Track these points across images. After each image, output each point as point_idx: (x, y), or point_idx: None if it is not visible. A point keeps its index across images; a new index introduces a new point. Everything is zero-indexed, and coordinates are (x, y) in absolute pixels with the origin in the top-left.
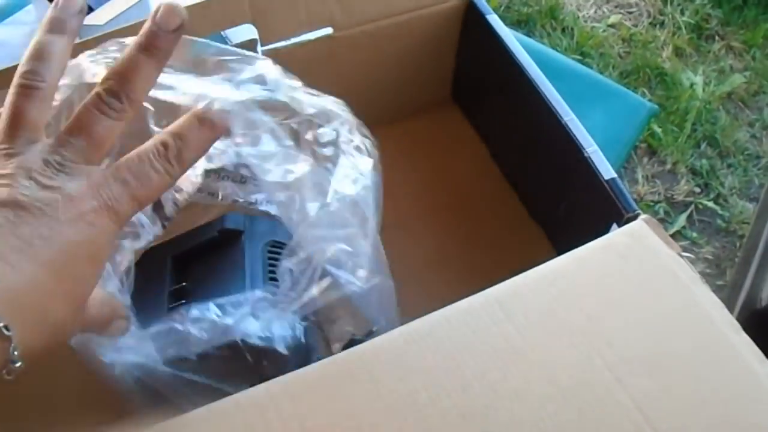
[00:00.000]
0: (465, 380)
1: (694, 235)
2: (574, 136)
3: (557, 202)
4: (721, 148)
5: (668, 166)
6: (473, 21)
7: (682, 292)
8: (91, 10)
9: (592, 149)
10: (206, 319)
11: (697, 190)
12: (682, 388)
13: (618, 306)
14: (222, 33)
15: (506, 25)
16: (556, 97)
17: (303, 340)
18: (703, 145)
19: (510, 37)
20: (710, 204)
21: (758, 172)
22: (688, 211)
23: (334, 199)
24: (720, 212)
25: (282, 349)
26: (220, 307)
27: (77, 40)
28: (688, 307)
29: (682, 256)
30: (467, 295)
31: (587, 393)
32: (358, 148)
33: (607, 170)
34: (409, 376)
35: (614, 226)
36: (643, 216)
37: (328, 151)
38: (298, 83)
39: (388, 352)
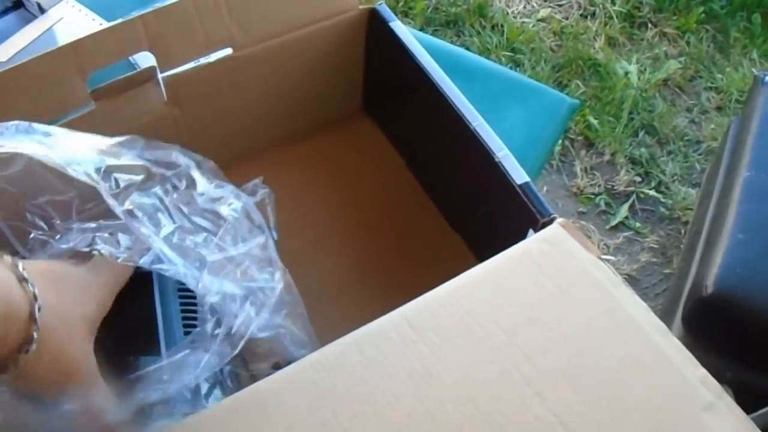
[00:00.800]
0: (378, 406)
1: (638, 224)
2: (484, 141)
3: (475, 211)
4: (660, 135)
5: (607, 157)
6: (377, 29)
7: (603, 298)
8: None
9: (502, 153)
10: None
11: (638, 179)
12: (607, 399)
13: (536, 316)
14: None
15: (435, 26)
16: (463, 101)
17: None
18: (641, 134)
19: (414, 42)
20: (652, 192)
21: (699, 157)
22: (630, 201)
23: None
24: (662, 200)
25: None
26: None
27: None
28: (611, 313)
29: (602, 260)
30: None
31: (507, 410)
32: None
33: (519, 175)
34: (321, 405)
35: (530, 231)
36: (559, 220)
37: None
38: None
39: (298, 382)
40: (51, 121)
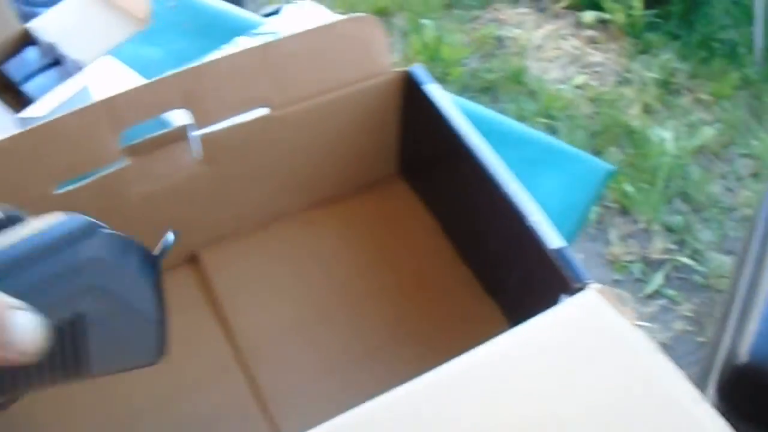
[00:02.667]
0: None
1: (672, 293)
2: (516, 205)
3: (508, 276)
4: (695, 202)
5: (641, 225)
6: (412, 92)
7: (638, 365)
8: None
9: (535, 218)
10: None
11: (673, 247)
12: None
13: (569, 387)
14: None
15: (471, 92)
16: (497, 165)
17: None
18: (676, 201)
19: (449, 105)
20: (687, 260)
21: (734, 224)
22: (665, 269)
23: None
24: (697, 268)
25: None
26: None
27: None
28: (646, 381)
29: (637, 326)
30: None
31: None
32: None
33: (552, 239)
34: None
35: (563, 296)
36: (593, 285)
37: None
38: None
39: None
40: (85, 176)
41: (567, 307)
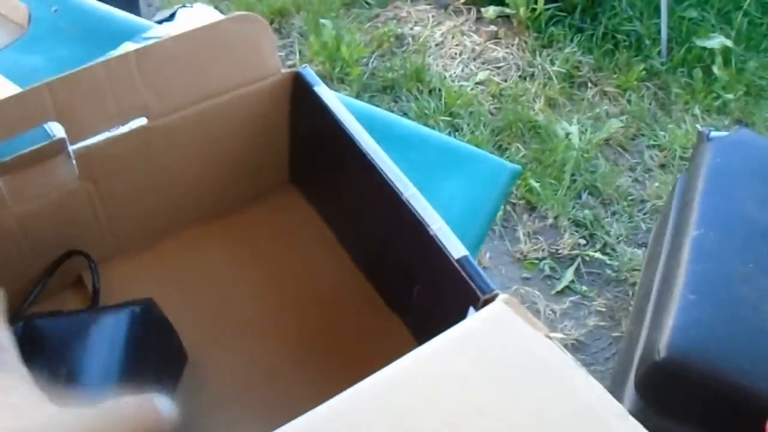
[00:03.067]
0: None
1: (584, 288)
2: (417, 213)
3: (411, 288)
4: (604, 196)
5: (550, 221)
6: (302, 94)
7: (554, 380)
8: None
9: (437, 226)
10: None
11: (582, 242)
12: None
13: (482, 405)
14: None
15: (372, 92)
16: (394, 170)
17: None
18: (584, 196)
19: (340, 108)
20: (597, 255)
21: (644, 216)
22: (575, 265)
23: None
24: (608, 262)
25: None
26: None
27: None
28: (563, 397)
29: (549, 337)
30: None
31: None
32: None
33: (456, 249)
34: None
35: (471, 309)
36: (501, 296)
37: None
38: None
39: None
40: None
41: (475, 321)
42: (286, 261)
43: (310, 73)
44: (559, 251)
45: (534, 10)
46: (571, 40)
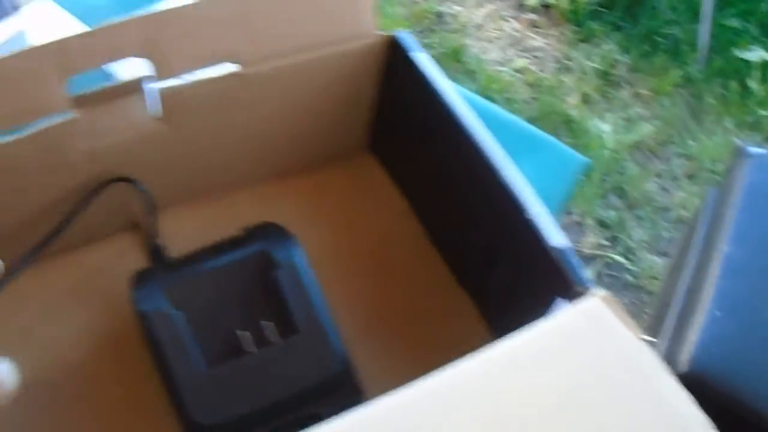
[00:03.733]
0: None
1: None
2: (516, 195)
3: (491, 270)
4: (629, 199)
5: (575, 218)
6: (396, 60)
7: (644, 385)
8: None
9: (536, 211)
10: None
11: (605, 243)
12: None
13: (574, 408)
14: (105, 68)
15: None
16: (495, 148)
17: None
18: (611, 196)
19: (439, 77)
20: (619, 258)
21: (667, 225)
22: (597, 266)
23: None
24: (628, 267)
25: None
26: None
27: None
28: (653, 403)
29: (642, 339)
30: (388, 379)
31: None
32: None
33: (554, 236)
34: None
35: (559, 300)
36: (599, 292)
37: None
38: None
39: None
40: (27, 126)
41: (571, 315)
42: (357, 226)
43: (407, 37)
44: (582, 250)
45: (575, 2)
46: (609, 37)
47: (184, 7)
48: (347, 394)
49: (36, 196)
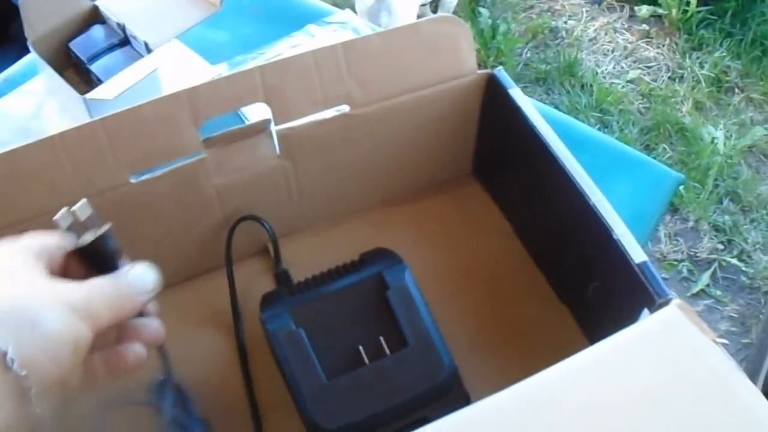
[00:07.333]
0: None
1: (719, 293)
2: (603, 218)
3: (586, 285)
4: (744, 203)
5: (691, 224)
6: (494, 94)
7: (719, 384)
8: (99, 81)
9: (621, 231)
10: None
11: (721, 247)
12: None
13: (655, 402)
14: (239, 113)
15: (525, 83)
16: (583, 176)
17: None
18: (725, 201)
19: (533, 111)
20: (734, 261)
21: None
22: (712, 269)
23: None
24: (744, 269)
25: None
26: None
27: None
28: (727, 400)
29: (717, 343)
30: (494, 385)
31: None
32: None
33: (637, 253)
34: None
35: (645, 311)
36: (675, 301)
37: None
38: None
39: None
40: (162, 165)
41: (652, 323)
42: (464, 248)
43: (504, 75)
44: (698, 254)
45: (686, 11)
46: (721, 44)
47: (300, 55)
48: (455, 399)
49: (175, 230)
